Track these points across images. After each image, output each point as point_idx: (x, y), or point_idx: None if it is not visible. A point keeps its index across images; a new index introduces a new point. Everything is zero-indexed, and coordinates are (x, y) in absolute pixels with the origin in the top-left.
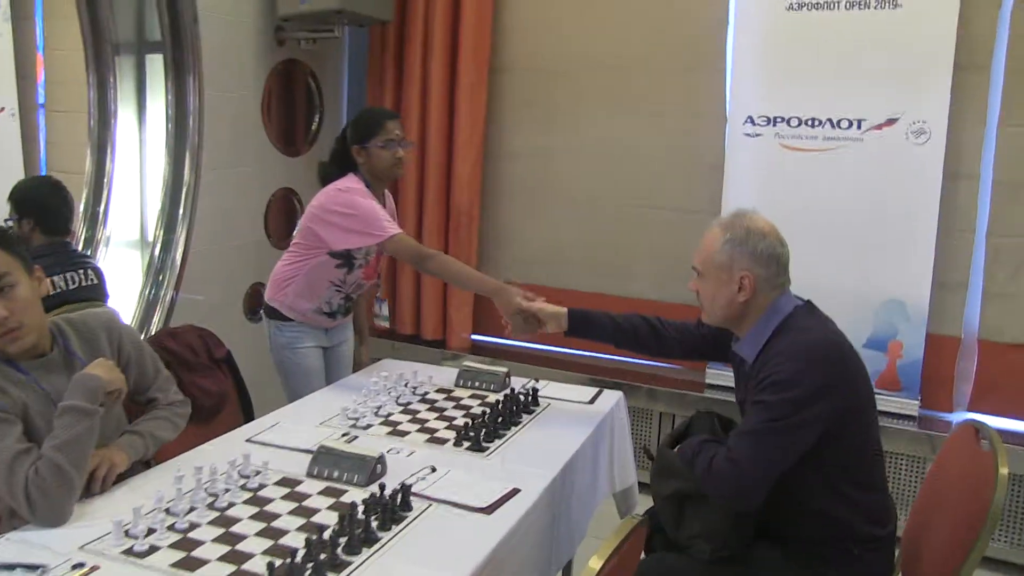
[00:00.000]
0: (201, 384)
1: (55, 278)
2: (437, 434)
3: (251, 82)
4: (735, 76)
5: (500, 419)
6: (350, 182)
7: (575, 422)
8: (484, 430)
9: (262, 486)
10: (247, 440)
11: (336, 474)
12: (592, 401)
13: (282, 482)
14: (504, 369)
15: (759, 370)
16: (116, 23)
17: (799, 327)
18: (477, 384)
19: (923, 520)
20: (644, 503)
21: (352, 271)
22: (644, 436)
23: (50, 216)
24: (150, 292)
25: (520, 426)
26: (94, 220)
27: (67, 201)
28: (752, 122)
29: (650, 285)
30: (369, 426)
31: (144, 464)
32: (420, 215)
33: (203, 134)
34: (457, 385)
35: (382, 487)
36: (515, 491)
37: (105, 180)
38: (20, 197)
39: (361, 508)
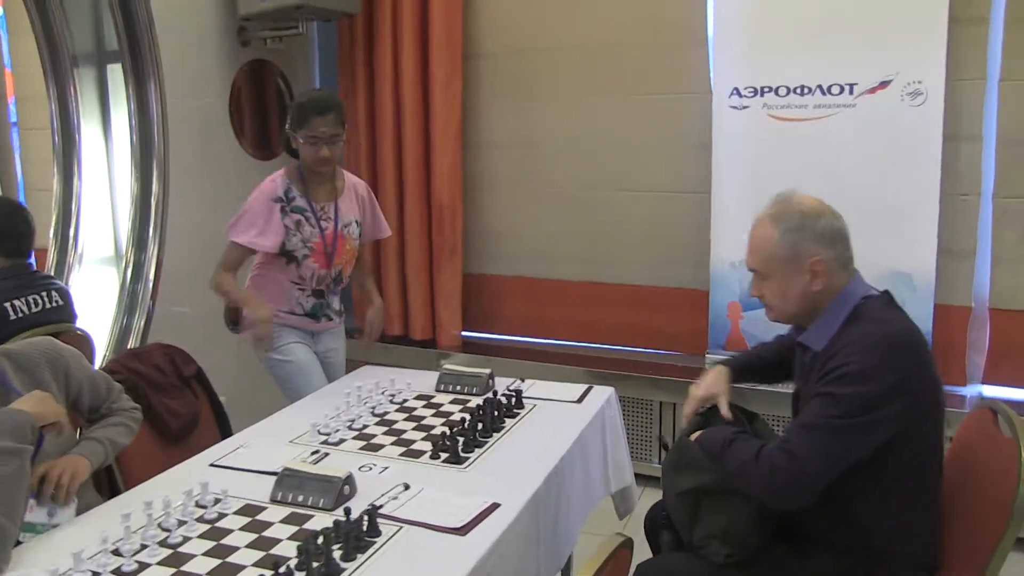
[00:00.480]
0: (170, 405)
1: (16, 302)
2: (413, 446)
3: (217, 86)
4: (717, 47)
5: (480, 426)
6: (277, 174)
7: (562, 423)
8: (463, 439)
9: (221, 516)
10: (211, 464)
11: (301, 498)
12: (581, 399)
13: (243, 510)
14: (487, 371)
15: (826, 360)
16: (72, 33)
17: (875, 317)
18: (459, 388)
19: (944, 510)
20: (650, 498)
21: (301, 264)
22: (645, 428)
23: (10, 238)
24: (125, 309)
25: (502, 432)
26: (64, 240)
27: (27, 222)
28: (738, 94)
29: (644, 270)
30: (342, 441)
31: (111, 492)
32: (401, 212)
33: (168, 143)
34: (438, 390)
35: (347, 511)
36: (494, 506)
37: (73, 197)
38: None
39: (320, 539)
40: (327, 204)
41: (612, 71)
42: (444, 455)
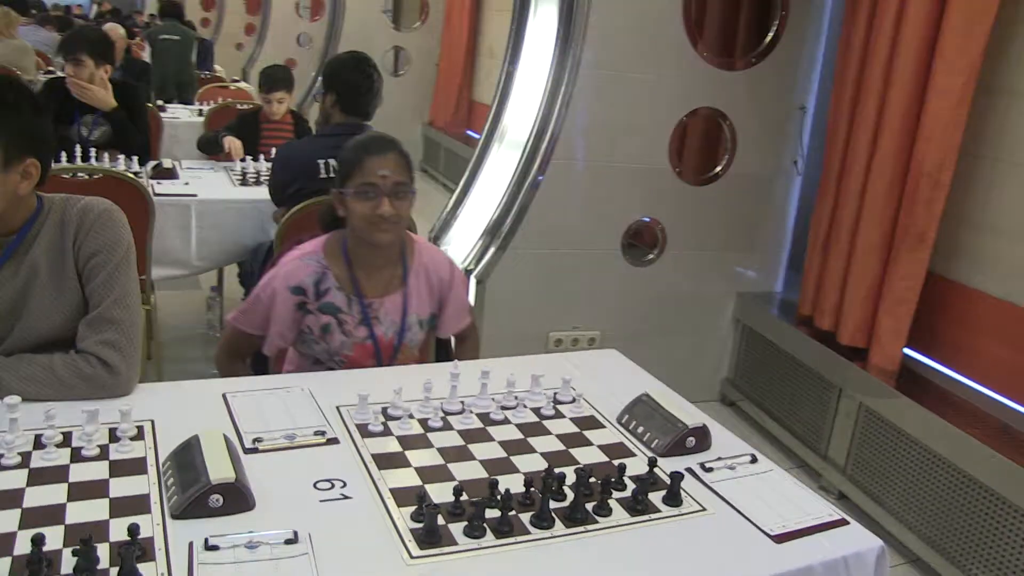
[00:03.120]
0: None
1: (332, 161)
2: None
3: None
4: None
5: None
6: (311, 246)
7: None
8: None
9: None
10: None
11: (640, 429)
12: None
13: None
14: (698, 422)
15: None
16: None
17: None
18: (640, 430)
19: None
20: None
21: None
22: None
23: (348, 93)
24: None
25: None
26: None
27: (370, 80)
28: None
29: None
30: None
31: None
32: (866, 177)
33: (589, 25)
34: (620, 421)
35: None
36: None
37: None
38: (327, 71)
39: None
40: (383, 299)
41: None
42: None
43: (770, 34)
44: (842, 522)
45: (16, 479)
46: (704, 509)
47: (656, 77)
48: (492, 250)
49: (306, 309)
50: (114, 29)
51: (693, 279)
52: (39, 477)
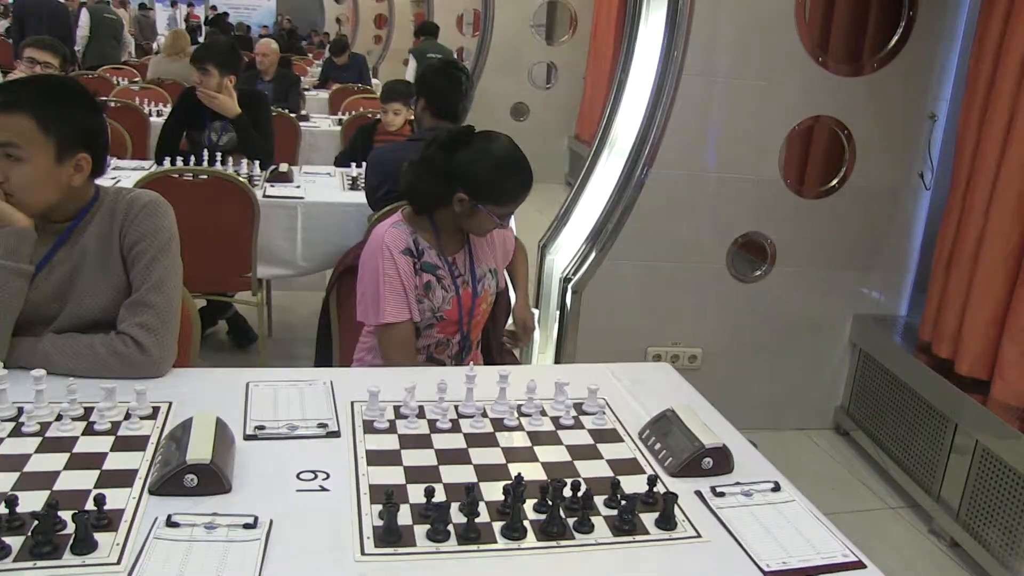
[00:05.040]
0: None
1: None
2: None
3: None
4: None
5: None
6: (393, 219)
7: None
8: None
9: None
10: None
11: (659, 446)
12: None
13: None
14: (716, 442)
15: None
16: None
17: None
18: (657, 447)
19: None
20: None
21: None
22: None
23: (437, 96)
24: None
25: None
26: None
27: (457, 83)
28: None
29: None
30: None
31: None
32: (991, 195)
33: (692, 30)
34: (640, 436)
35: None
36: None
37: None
38: (417, 78)
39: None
40: (459, 254)
41: None
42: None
43: (896, 36)
44: (857, 565)
45: (28, 445)
46: (699, 535)
47: (767, 84)
48: (592, 258)
49: (415, 269)
50: (267, 44)
51: (806, 298)
52: (48, 446)
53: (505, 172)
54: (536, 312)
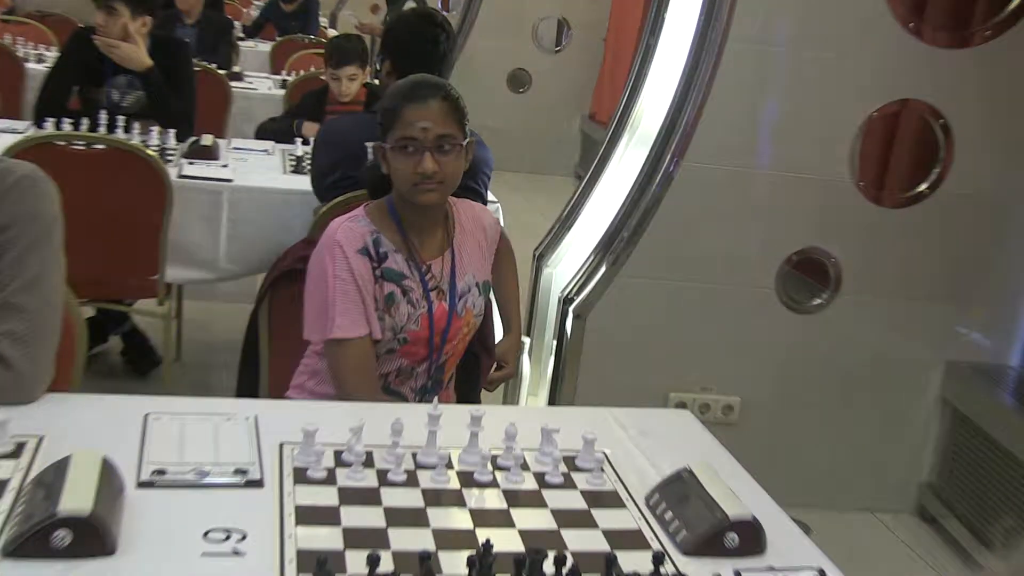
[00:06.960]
0: None
1: None
2: None
3: None
4: None
5: None
6: (355, 213)
7: None
8: None
9: None
10: None
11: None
12: None
13: None
14: (744, 514)
15: None
16: None
17: None
18: (668, 516)
19: None
20: None
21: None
22: None
23: (406, 57)
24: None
25: None
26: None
27: (435, 43)
28: None
29: None
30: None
31: None
32: None
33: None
34: (648, 502)
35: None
36: None
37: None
38: (385, 31)
39: None
40: (437, 260)
41: None
42: None
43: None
44: None
45: None
46: None
47: (835, 56)
48: (601, 274)
49: (376, 276)
50: None
51: (880, 337)
52: None
53: (389, 93)
54: (527, 342)
